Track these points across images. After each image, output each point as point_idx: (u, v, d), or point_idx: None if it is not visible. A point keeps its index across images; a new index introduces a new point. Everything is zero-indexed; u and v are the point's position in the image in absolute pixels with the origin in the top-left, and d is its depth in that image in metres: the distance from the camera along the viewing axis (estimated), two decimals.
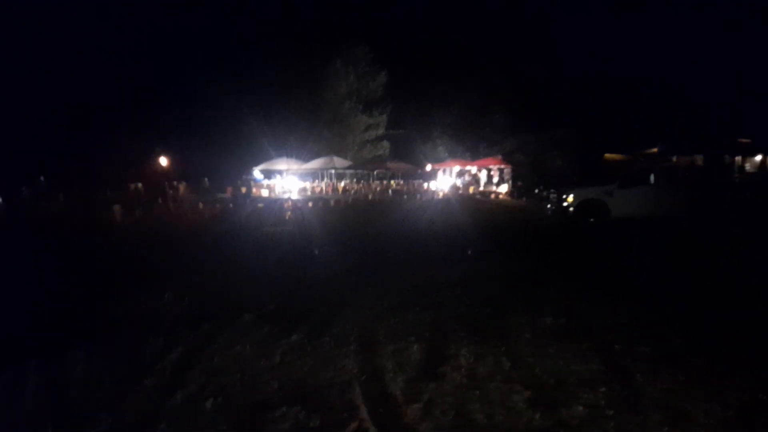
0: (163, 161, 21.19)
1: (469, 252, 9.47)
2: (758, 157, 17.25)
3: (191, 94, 32.59)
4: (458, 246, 10.40)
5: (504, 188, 35.14)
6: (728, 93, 26.18)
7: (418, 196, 28.36)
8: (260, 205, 20.40)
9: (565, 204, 14.14)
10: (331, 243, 11.14)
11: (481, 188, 35.48)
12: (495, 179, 36.93)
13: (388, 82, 39.39)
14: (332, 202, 22.34)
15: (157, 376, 4.08)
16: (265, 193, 29.78)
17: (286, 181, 32.45)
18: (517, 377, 3.87)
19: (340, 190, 29.81)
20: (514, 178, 36.34)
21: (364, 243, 11.40)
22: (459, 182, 35.04)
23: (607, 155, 21.13)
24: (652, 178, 13.72)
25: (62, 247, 10.73)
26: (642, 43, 30.94)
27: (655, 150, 18.40)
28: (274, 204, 19.79)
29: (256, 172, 33.25)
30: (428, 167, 34.69)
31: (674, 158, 17.58)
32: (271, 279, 7.61)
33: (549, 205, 15.65)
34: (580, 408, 3.34)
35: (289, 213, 15.06)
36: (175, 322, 5.48)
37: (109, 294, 6.79)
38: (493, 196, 33.93)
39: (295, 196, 27.21)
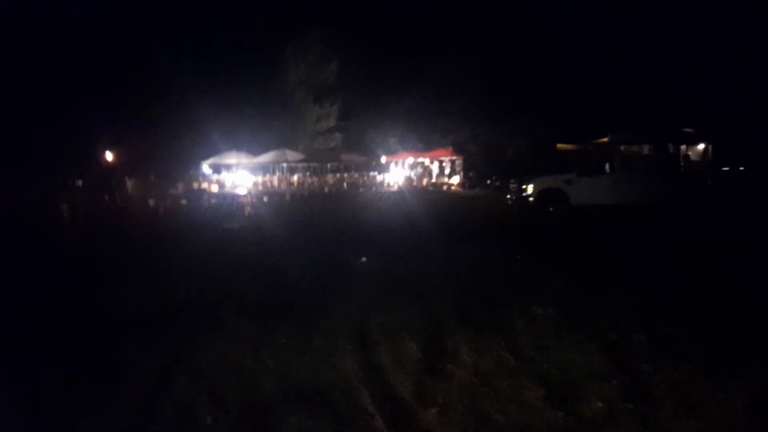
0: (109, 156, 19.87)
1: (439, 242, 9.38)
2: (701, 146, 18.06)
3: (135, 83, 30.86)
4: (426, 237, 10.31)
5: (456, 179, 35.50)
6: (674, 82, 27.13)
7: (374, 188, 28.18)
8: (213, 201, 19.65)
9: (525, 193, 14.32)
10: (293, 237, 10.78)
11: (434, 180, 35.74)
12: (447, 170, 37.29)
13: (339, 71, 38.75)
14: (287, 197, 21.80)
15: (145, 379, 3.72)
16: (215, 188, 28.80)
17: (237, 175, 31.53)
18: (525, 373, 3.75)
19: (295, 183, 29.21)
20: (466, 169, 36.79)
21: (327, 236, 11.09)
22: (412, 174, 35.13)
23: (559, 145, 21.63)
24: (607, 167, 14.10)
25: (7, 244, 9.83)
26: (594, 33, 31.52)
27: (605, 140, 18.93)
28: (227, 200, 19.10)
29: (205, 167, 32.11)
30: (383, 159, 34.55)
31: (622, 147, 18.14)
32: (242, 275, 7.22)
33: (509, 195, 15.83)
34: (599, 404, 3.25)
35: (247, 208, 14.53)
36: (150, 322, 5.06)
37: (72, 298, 6.22)
38: (445, 187, 34.21)
39: (244, 191, 26.40)
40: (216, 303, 5.64)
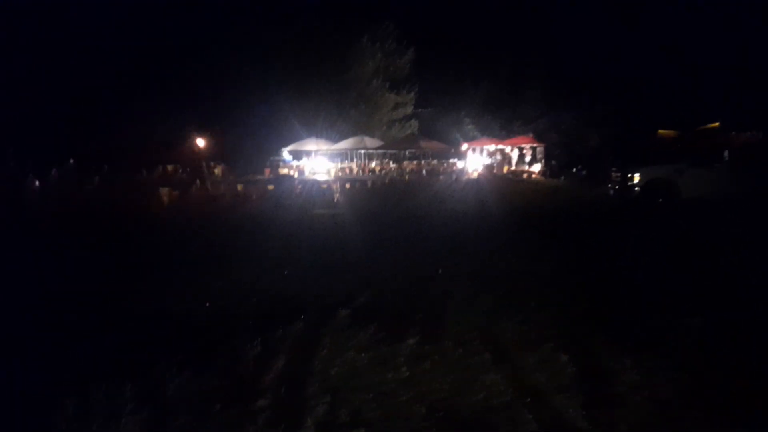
0: (200, 142, 20.50)
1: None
2: None
3: (217, 73, 31.83)
4: (521, 235, 9.67)
5: (537, 167, 34.03)
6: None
7: (454, 176, 27.48)
8: (299, 186, 19.76)
9: (630, 184, 13.24)
10: (389, 227, 10.45)
11: (513, 167, 34.43)
12: (527, 158, 35.81)
13: (415, 59, 38.17)
14: (369, 183, 21.61)
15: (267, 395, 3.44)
16: (294, 174, 29.20)
17: (316, 161, 31.81)
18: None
19: (376, 170, 29.06)
20: (547, 157, 35.18)
21: (423, 227, 10.69)
22: (491, 161, 34.01)
23: (661, 131, 19.99)
24: (726, 155, 12.74)
25: (111, 235, 10.20)
26: (687, 19, 28.92)
27: (715, 125, 17.28)
28: (313, 186, 19.12)
29: (285, 153, 32.66)
30: (464, 146, 33.74)
31: (732, 134, 16.48)
32: (346, 271, 6.93)
33: (610, 185, 14.72)
34: None
35: (337, 195, 14.42)
36: (260, 324, 4.81)
37: (175, 290, 6.16)
38: (525, 175, 32.80)
39: (323, 177, 26.51)
40: (328, 303, 5.35)
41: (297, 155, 32.96)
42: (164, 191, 13.73)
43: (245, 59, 32.76)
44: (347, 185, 20.04)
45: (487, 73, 37.13)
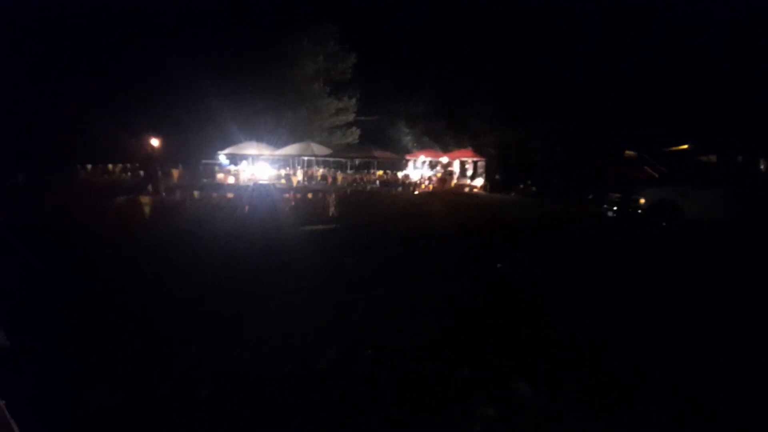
0: (154, 142, 17.65)
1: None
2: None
3: (150, 68, 28.68)
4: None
5: (479, 182, 33.95)
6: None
7: (411, 188, 26.54)
8: (230, 194, 17.67)
9: (635, 205, 12.84)
10: (412, 248, 9.05)
11: (455, 181, 34.09)
12: (469, 172, 35.65)
13: (358, 64, 37.05)
14: (333, 195, 19.91)
15: None
16: (231, 180, 26.73)
17: (257, 167, 29.50)
18: None
19: (328, 180, 27.37)
20: (488, 172, 35.19)
21: (433, 244, 9.39)
22: (432, 174, 33.40)
23: (628, 152, 20.26)
24: (727, 177, 12.71)
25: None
26: (634, 36, 29.84)
27: (683, 147, 17.61)
28: (270, 195, 17.11)
29: (222, 157, 30.02)
30: (420, 158, 33.04)
31: (706, 157, 16.79)
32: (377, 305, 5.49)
33: (606, 206, 14.29)
34: None
35: (332, 209, 12.71)
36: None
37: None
38: (467, 189, 32.61)
39: (260, 182, 24.28)
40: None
41: (234, 159, 30.45)
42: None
43: (180, 55, 29.83)
44: (309, 195, 18.28)
45: (432, 83, 36.71)
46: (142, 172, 16.40)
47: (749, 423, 2.88)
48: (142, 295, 5.57)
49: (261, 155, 29.41)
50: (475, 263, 8.04)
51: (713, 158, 16.61)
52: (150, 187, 13.86)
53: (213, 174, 27.26)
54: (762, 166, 13.45)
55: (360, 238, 10.11)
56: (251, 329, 4.53)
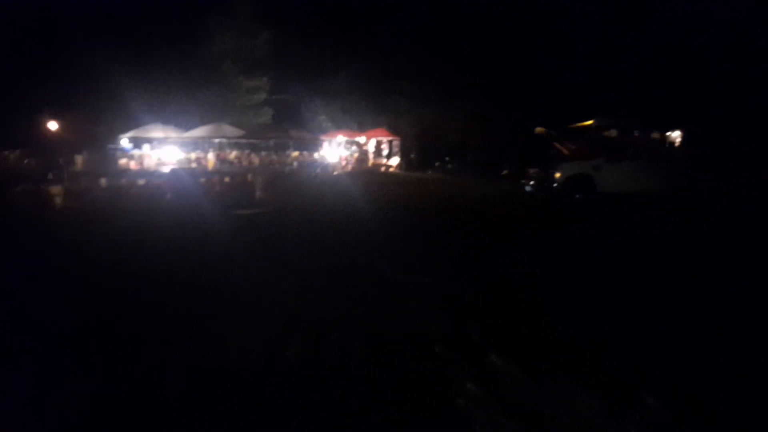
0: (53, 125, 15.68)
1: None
2: (676, 134, 18.31)
3: (47, 42, 25.75)
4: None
5: (395, 161, 34.32)
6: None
7: (331, 169, 26.20)
8: (141, 181, 16.53)
9: (551, 179, 13.54)
10: (348, 229, 8.91)
11: (371, 161, 34.21)
12: (384, 152, 35.86)
13: (273, 41, 35.65)
14: (249, 177, 19.19)
15: None
16: (133, 165, 24.90)
17: (165, 151, 27.69)
18: None
19: (243, 161, 26.30)
20: (403, 151, 35.63)
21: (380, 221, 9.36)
22: (349, 154, 33.28)
23: (538, 129, 21.15)
24: (636, 152, 13.62)
25: None
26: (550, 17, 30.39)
27: (589, 123, 18.67)
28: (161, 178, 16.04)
29: (124, 141, 27.80)
30: (339, 137, 32.59)
31: (611, 131, 17.89)
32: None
33: (524, 181, 14.97)
34: None
35: (258, 192, 12.16)
36: None
37: None
38: (383, 168, 32.90)
39: (167, 167, 22.87)
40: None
41: (137, 143, 28.34)
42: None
43: (80, 28, 27.08)
44: (227, 179, 17.49)
45: (350, 62, 36.16)
46: (33, 159, 14.73)
47: (749, 423, 2.97)
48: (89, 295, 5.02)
49: (168, 138, 27.62)
50: (423, 245, 8.05)
51: (614, 133, 17.82)
52: (51, 175, 12.56)
53: (115, 160, 25.25)
54: (673, 142, 14.57)
55: (294, 221, 9.85)
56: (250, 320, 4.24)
